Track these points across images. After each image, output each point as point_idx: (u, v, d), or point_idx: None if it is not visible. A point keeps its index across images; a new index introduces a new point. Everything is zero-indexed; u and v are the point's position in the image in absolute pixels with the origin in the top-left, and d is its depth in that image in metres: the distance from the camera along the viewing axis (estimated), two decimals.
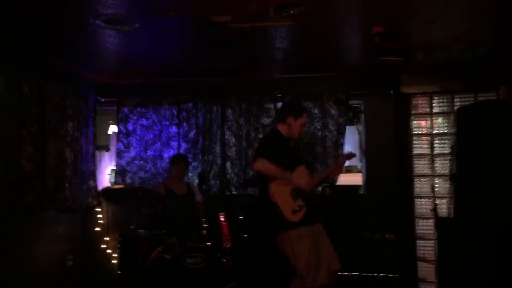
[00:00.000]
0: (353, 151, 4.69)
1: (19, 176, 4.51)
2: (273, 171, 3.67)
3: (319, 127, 5.95)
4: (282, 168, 3.73)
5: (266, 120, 6.07)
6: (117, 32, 4.25)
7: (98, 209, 6.13)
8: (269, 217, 3.78)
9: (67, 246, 5.60)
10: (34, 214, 4.85)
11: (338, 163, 4.29)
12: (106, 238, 6.10)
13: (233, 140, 6.12)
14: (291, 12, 3.72)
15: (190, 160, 6.00)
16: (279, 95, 5.85)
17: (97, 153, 6.37)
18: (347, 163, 5.30)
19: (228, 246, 4.83)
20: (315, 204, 3.95)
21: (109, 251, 6.06)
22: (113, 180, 6.38)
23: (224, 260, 4.66)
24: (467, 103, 5.56)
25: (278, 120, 4.10)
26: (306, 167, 4.00)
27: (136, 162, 6.21)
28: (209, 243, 4.74)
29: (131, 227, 4.64)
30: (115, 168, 6.31)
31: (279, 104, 5.99)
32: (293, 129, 3.95)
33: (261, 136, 6.01)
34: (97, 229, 6.12)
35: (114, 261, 5.91)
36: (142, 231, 4.67)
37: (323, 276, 3.70)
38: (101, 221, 6.15)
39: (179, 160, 5.52)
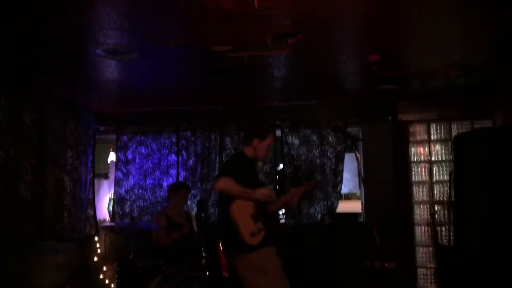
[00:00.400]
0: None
1: (18, 207, 4.48)
2: (235, 190, 3.53)
3: (317, 154, 5.97)
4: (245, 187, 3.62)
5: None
6: (117, 61, 4.31)
7: (96, 238, 6.09)
8: (229, 238, 3.64)
9: (66, 276, 5.54)
10: (33, 244, 4.80)
11: (297, 189, 4.11)
12: (104, 268, 6.03)
13: None
14: (289, 41, 3.79)
15: None
16: (278, 123, 5.87)
17: (96, 181, 6.36)
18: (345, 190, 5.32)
19: (227, 275, 4.77)
20: (272, 228, 3.85)
21: (107, 281, 5.99)
22: (111, 208, 6.35)
23: None
24: (464, 130, 5.59)
25: (244, 143, 3.97)
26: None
27: (135, 190, 6.20)
28: (208, 272, 4.69)
29: (130, 256, 4.59)
30: (113, 196, 6.29)
31: (278, 132, 6.03)
32: (258, 150, 3.83)
33: (260, 164, 6.02)
34: (95, 259, 6.06)
35: None
36: (140, 261, 4.62)
37: None
38: (99, 250, 6.10)
39: (180, 188, 5.43)
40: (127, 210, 6.11)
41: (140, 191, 6.18)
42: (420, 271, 5.61)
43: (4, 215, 4.28)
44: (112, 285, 5.86)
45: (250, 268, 3.57)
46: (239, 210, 3.52)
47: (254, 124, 4.04)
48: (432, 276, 5.55)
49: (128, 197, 6.20)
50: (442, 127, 5.75)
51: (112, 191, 6.34)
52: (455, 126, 5.69)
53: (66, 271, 5.56)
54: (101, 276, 6.01)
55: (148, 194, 6.16)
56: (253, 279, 3.57)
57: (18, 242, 4.50)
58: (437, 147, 5.75)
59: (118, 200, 6.22)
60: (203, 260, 4.77)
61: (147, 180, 6.19)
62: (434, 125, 5.77)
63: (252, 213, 3.59)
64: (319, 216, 5.74)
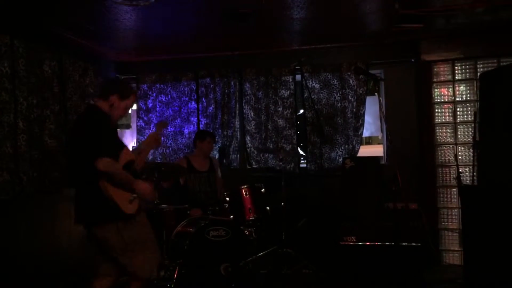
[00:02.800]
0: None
1: (43, 153, 4.61)
2: (120, 176, 3.17)
3: (338, 98, 5.91)
4: (113, 155, 3.18)
5: (285, 93, 6.04)
6: (133, 8, 4.25)
7: None
8: (100, 207, 3.19)
9: None
10: (60, 191, 4.95)
11: (150, 134, 3.82)
12: None
13: (251, 114, 6.12)
14: None
15: None
16: (298, 67, 5.79)
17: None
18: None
19: (250, 218, 4.88)
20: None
21: None
22: None
23: (247, 233, 4.71)
24: (490, 68, 5.43)
25: (99, 96, 3.43)
26: (126, 147, 3.46)
27: None
28: (231, 216, 4.80)
29: (155, 201, 4.70)
30: (136, 145, 6.39)
31: (298, 76, 5.96)
32: (115, 109, 3.36)
33: (280, 109, 6.01)
34: None
35: None
36: (166, 205, 4.74)
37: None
38: None
39: (206, 137, 5.38)
40: (150, 157, 6.20)
41: (162, 138, 6.24)
42: (442, 212, 5.64)
43: (29, 161, 4.41)
44: None
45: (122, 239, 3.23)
46: (110, 185, 3.16)
47: (114, 79, 3.50)
48: (453, 217, 5.58)
49: None
50: (467, 66, 5.59)
51: (135, 140, 6.43)
52: (481, 65, 5.53)
53: None
54: None
55: (169, 141, 6.24)
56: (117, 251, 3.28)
57: (45, 188, 4.64)
58: (462, 87, 5.62)
59: None
60: (227, 205, 4.87)
61: (169, 128, 6.25)
62: (458, 64, 5.61)
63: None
64: (341, 160, 5.75)
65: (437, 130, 5.69)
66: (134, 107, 6.38)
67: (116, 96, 3.36)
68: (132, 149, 3.86)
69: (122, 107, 3.41)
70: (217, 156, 6.01)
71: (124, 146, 3.44)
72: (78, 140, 3.26)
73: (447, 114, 5.67)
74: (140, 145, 4.02)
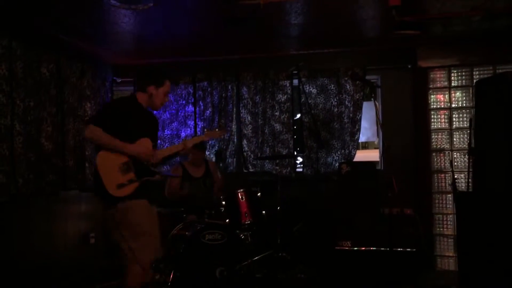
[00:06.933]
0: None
1: (40, 156, 4.61)
2: (102, 140, 3.28)
3: (335, 103, 5.93)
4: (119, 136, 3.33)
5: (282, 98, 6.06)
6: (132, 11, 4.26)
7: None
8: (96, 189, 3.33)
9: (90, 224, 5.72)
10: (57, 193, 4.95)
11: (193, 138, 3.99)
12: None
13: (248, 118, 6.14)
14: None
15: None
16: (295, 72, 5.81)
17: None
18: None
19: (246, 222, 4.88)
20: (154, 180, 3.56)
21: None
22: None
23: (243, 236, 4.71)
24: (486, 75, 5.47)
25: (138, 88, 3.66)
26: (151, 140, 3.61)
27: None
28: (227, 220, 4.80)
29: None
30: None
31: (295, 81, 5.98)
32: (154, 98, 3.58)
33: (277, 113, 6.03)
34: None
35: None
36: (161, 208, 4.73)
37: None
38: None
39: (194, 148, 5.15)
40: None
41: (159, 141, 6.26)
42: (437, 218, 5.66)
43: (26, 163, 4.41)
44: None
45: (118, 221, 3.33)
46: (104, 160, 3.31)
47: (149, 70, 3.68)
48: (448, 223, 5.60)
49: None
50: (463, 73, 5.62)
51: None
52: (477, 72, 5.56)
53: (90, 220, 5.73)
54: None
55: (166, 144, 6.23)
56: (120, 234, 3.33)
57: (42, 191, 4.64)
58: (458, 93, 5.66)
59: None
60: (223, 208, 4.87)
61: (166, 131, 6.26)
62: (455, 71, 5.65)
63: (121, 163, 3.35)
64: (337, 165, 5.77)
65: (433, 136, 5.72)
66: None
67: (153, 86, 3.56)
68: None
69: (161, 95, 3.60)
70: (213, 160, 6.01)
71: (146, 136, 3.53)
72: None
73: (443, 120, 5.70)
74: (177, 144, 4.13)
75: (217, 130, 4.34)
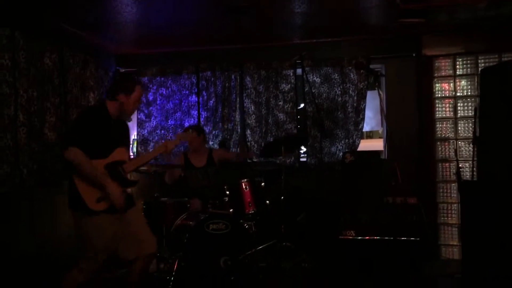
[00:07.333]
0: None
1: (43, 146, 4.61)
2: (86, 168, 3.23)
3: (339, 92, 5.90)
4: (96, 151, 3.31)
5: (285, 87, 6.03)
6: (134, 0, 4.24)
7: None
8: (72, 199, 3.38)
9: None
10: (61, 183, 4.95)
11: (171, 141, 3.87)
12: None
13: (252, 107, 6.12)
14: None
15: (210, 128, 6.06)
16: (299, 61, 5.78)
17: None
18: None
19: (250, 212, 4.89)
20: (132, 187, 3.59)
21: None
22: (135, 150, 6.48)
23: (246, 226, 4.72)
24: (491, 64, 5.42)
25: (107, 96, 3.57)
26: (126, 149, 3.61)
27: (157, 131, 6.30)
28: (231, 210, 4.81)
29: (155, 194, 4.71)
30: (136, 138, 6.39)
31: (299, 70, 5.95)
32: (126, 106, 3.47)
33: (280, 103, 6.01)
34: None
35: None
36: (166, 198, 4.75)
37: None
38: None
39: (188, 130, 5.28)
40: (151, 150, 6.21)
41: (163, 131, 6.28)
42: (441, 207, 5.65)
43: (29, 153, 4.41)
44: None
45: (88, 227, 3.37)
46: (81, 178, 3.28)
47: (116, 78, 3.64)
48: (453, 212, 5.59)
49: (151, 138, 6.33)
50: (469, 61, 5.58)
51: (135, 133, 6.43)
52: (482, 60, 5.51)
53: None
54: None
55: (170, 134, 6.25)
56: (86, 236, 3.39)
57: (45, 181, 4.64)
58: (463, 82, 5.61)
59: (141, 141, 6.35)
60: (227, 198, 4.88)
61: (169, 121, 6.26)
62: (460, 59, 5.60)
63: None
64: (341, 154, 5.76)
65: (438, 125, 5.69)
66: None
67: (122, 94, 3.46)
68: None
69: (131, 102, 3.51)
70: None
71: (121, 145, 3.50)
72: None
73: (447, 109, 5.67)
74: (156, 148, 4.12)
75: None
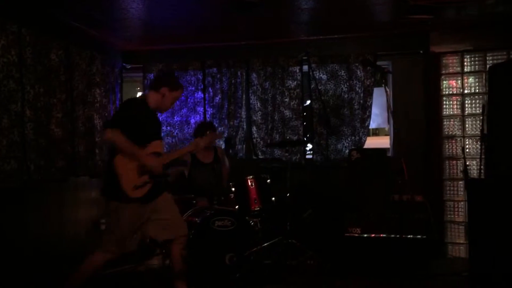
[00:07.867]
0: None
1: (50, 142, 4.63)
2: (124, 146, 3.37)
3: (345, 89, 5.88)
4: (135, 140, 3.43)
5: (292, 84, 6.01)
6: None
7: None
8: (110, 185, 3.48)
9: (100, 211, 5.74)
10: (67, 179, 4.98)
11: (202, 139, 3.98)
12: None
13: (258, 104, 6.11)
14: None
15: (216, 125, 6.04)
16: (305, 58, 5.75)
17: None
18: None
19: (255, 209, 4.88)
20: (162, 179, 3.75)
21: None
22: None
23: (252, 223, 4.72)
24: (500, 61, 5.38)
25: (150, 87, 3.73)
26: (161, 142, 3.76)
27: (163, 128, 6.27)
28: (237, 207, 4.81)
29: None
30: None
31: (305, 67, 5.93)
32: (166, 100, 3.66)
33: (287, 99, 5.99)
34: None
35: None
36: (174, 196, 4.74)
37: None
38: None
39: (203, 129, 5.23)
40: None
41: (169, 128, 6.27)
42: (448, 204, 5.62)
43: (36, 149, 4.43)
44: None
45: (120, 215, 3.49)
46: (123, 162, 3.41)
47: (165, 71, 3.83)
48: (460, 210, 5.56)
49: None
50: (476, 58, 5.53)
51: None
52: (490, 57, 5.46)
53: (100, 206, 5.76)
54: None
55: (176, 131, 6.24)
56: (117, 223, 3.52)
57: (52, 177, 4.66)
58: (470, 79, 5.57)
59: None
60: (232, 195, 4.88)
61: (175, 117, 6.25)
62: (467, 56, 5.55)
63: (138, 165, 3.46)
64: (347, 151, 5.73)
65: (445, 123, 5.66)
66: None
67: (167, 88, 3.63)
68: None
69: (172, 98, 3.68)
70: (223, 146, 6.00)
71: (158, 138, 3.67)
72: None
73: (455, 106, 5.63)
74: (184, 147, 4.30)
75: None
